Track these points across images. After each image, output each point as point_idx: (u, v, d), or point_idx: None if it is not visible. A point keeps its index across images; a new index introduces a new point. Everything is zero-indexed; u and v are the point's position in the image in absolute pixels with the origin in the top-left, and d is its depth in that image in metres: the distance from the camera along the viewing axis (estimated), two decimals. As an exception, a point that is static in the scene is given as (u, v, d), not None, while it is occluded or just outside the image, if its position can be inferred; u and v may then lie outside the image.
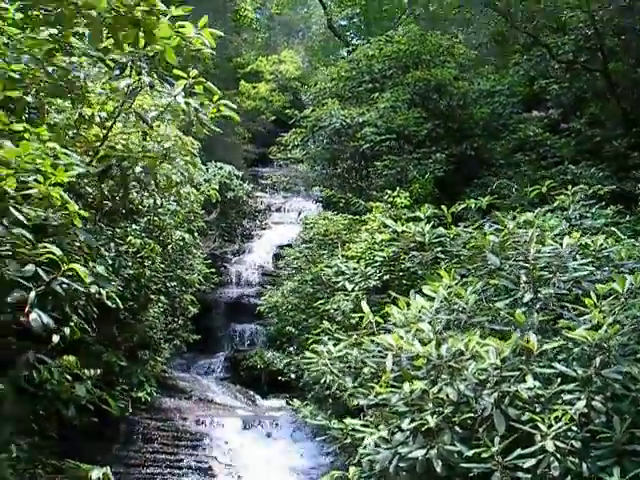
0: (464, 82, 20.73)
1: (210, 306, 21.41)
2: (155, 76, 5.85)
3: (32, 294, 5.11)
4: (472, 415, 6.05)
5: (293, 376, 13.83)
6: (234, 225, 27.47)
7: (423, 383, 6.32)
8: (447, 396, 6.08)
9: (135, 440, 14.69)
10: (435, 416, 6.00)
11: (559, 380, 6.13)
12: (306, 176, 24.75)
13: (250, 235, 27.88)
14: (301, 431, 15.35)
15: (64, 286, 5.30)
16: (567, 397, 5.94)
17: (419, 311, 7.48)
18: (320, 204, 24.85)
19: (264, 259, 26.23)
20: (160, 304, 15.34)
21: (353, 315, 10.59)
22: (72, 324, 5.59)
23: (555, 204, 10.50)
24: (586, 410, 5.76)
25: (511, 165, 18.19)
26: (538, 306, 7.23)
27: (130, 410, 13.98)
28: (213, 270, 19.86)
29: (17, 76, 5.68)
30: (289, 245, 25.82)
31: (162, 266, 14.54)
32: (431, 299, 7.58)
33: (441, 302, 7.43)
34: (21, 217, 5.35)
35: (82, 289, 5.62)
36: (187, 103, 6.03)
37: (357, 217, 14.32)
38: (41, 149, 5.55)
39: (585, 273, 7.30)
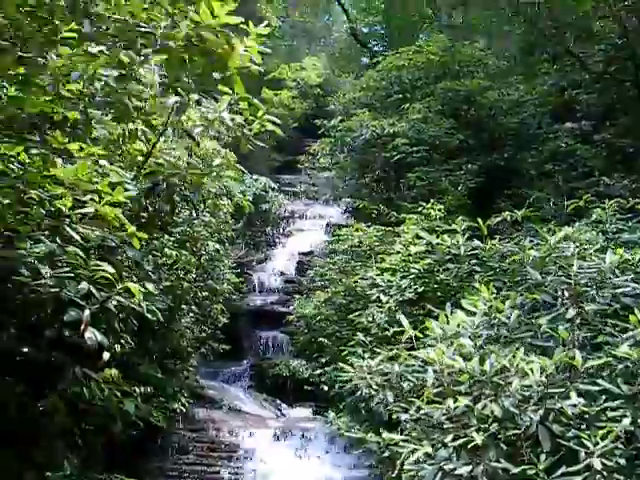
0: (493, 92, 20.68)
1: (234, 313, 21.46)
2: (201, 92, 5.88)
3: (87, 313, 5.16)
4: (517, 432, 6.04)
5: (325, 387, 13.79)
6: (259, 233, 27.53)
7: (467, 399, 6.31)
8: (492, 412, 6.07)
9: (172, 452, 14.76)
10: (481, 433, 5.98)
11: (604, 397, 6.11)
12: (334, 185, 24.74)
13: (273, 242, 27.90)
14: (334, 443, 15.33)
15: (116, 304, 5.36)
16: (612, 414, 5.92)
17: (458, 325, 7.48)
18: (349, 214, 24.91)
19: (286, 266, 26.28)
20: (192, 314, 15.41)
21: (388, 327, 10.62)
22: (122, 341, 5.64)
23: (592, 217, 10.43)
24: (632, 428, 5.73)
25: (542, 175, 18.10)
26: (579, 321, 7.21)
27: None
28: (242, 280, 19.93)
29: (69, 95, 5.75)
30: (311, 252, 26.03)
31: (194, 276, 14.64)
32: (471, 313, 7.56)
33: (482, 317, 7.41)
34: (77, 236, 5.41)
35: (133, 306, 5.68)
36: (233, 119, 6.06)
37: (390, 228, 14.30)
38: (92, 167, 5.61)
39: (627, 289, 7.27)
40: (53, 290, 5.16)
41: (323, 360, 14.00)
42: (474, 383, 6.49)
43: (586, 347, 7.05)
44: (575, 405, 5.95)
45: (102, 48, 5.50)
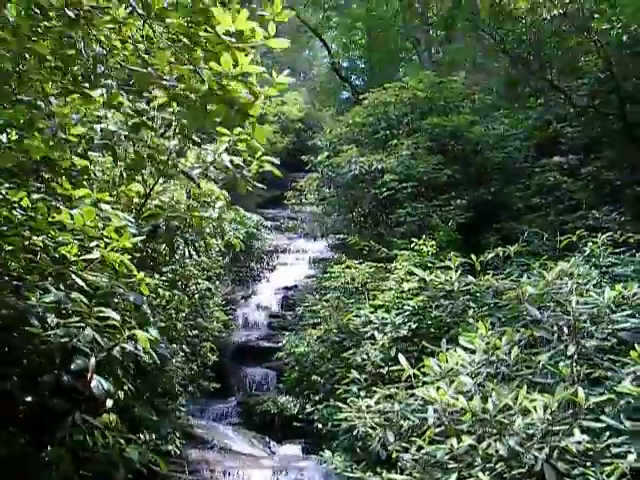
0: (479, 127, 20.82)
1: (220, 349, 21.26)
2: (201, 134, 5.89)
3: (92, 361, 5.11)
4: (522, 470, 6.01)
5: (319, 425, 13.69)
6: (244, 268, 27.49)
7: (470, 438, 6.29)
8: (497, 451, 6.05)
9: (169, 496, 14.56)
10: (486, 472, 5.96)
11: (607, 433, 6.10)
12: (322, 221, 24.76)
13: (258, 277, 27.87)
14: (330, 482, 15.20)
15: (121, 351, 5.32)
16: (616, 450, 5.92)
17: (457, 363, 7.47)
18: (334, 249, 24.93)
19: (270, 301, 26.20)
20: (182, 353, 15.32)
21: (382, 365, 10.59)
22: (125, 387, 5.59)
23: (586, 252, 10.47)
24: (637, 464, 5.72)
25: (529, 209, 18.17)
26: (576, 356, 7.21)
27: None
28: (231, 317, 19.86)
29: (74, 139, 5.76)
30: (295, 287, 26.04)
31: (184, 315, 14.57)
32: (469, 350, 7.56)
33: (482, 354, 7.41)
34: (82, 283, 5.38)
35: (139, 353, 5.65)
36: (232, 161, 6.06)
37: (381, 265, 14.30)
38: (93, 211, 5.58)
39: (626, 325, 7.29)
40: (63, 340, 5.12)
41: (316, 398, 13.92)
42: (476, 422, 6.48)
43: (584, 382, 7.05)
44: (579, 442, 5.95)
45: (101, 91, 5.52)
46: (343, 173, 20.24)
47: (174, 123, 5.60)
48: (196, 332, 16.17)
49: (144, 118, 5.12)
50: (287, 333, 19.16)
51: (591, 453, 6.00)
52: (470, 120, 20.85)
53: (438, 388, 6.98)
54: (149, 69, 4.72)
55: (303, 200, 25.35)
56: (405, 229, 17.91)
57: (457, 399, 6.64)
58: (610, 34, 17.17)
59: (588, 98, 19.56)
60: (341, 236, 20.21)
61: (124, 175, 7.25)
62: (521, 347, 7.68)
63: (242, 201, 26.99)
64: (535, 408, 6.13)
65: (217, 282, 17.42)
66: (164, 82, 4.49)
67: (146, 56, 4.79)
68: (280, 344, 19.96)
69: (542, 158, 19.86)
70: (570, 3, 16.46)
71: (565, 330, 7.33)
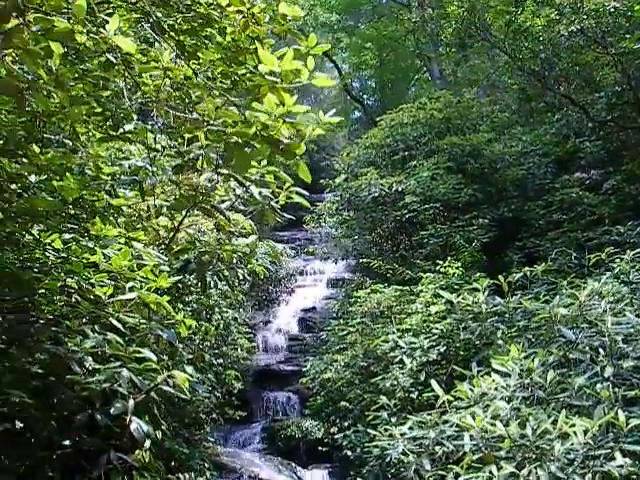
0: (498, 144, 20.78)
1: (242, 374, 21.21)
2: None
3: (131, 403, 5.06)
4: (564, 496, 5.92)
5: (349, 452, 13.58)
6: (262, 292, 27.46)
7: (510, 465, 6.19)
8: (537, 478, 5.95)
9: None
10: (529, 500, 5.87)
11: (650, 457, 6.01)
12: (342, 244, 24.67)
13: (276, 300, 27.81)
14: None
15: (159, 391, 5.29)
16: (660, 474, 5.82)
17: (490, 387, 7.38)
18: (352, 271, 24.87)
19: (289, 323, 26.25)
20: (207, 382, 15.27)
21: (412, 390, 10.50)
22: (163, 428, 5.55)
23: (616, 270, 10.34)
24: (682, 487, 5.63)
25: (551, 225, 18.06)
26: (612, 378, 7.11)
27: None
28: (255, 344, 19.81)
29: (106, 178, 5.75)
30: (313, 308, 26.00)
31: (209, 344, 14.54)
32: (503, 374, 7.47)
33: (517, 378, 7.32)
34: (119, 325, 5.36)
35: (179, 394, 5.61)
36: (260, 192, 6.03)
37: (406, 288, 14.23)
38: (128, 252, 5.57)
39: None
40: (105, 385, 5.09)
41: (345, 424, 13.82)
42: (515, 448, 6.38)
43: (623, 404, 6.95)
44: (622, 466, 5.85)
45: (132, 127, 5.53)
46: (363, 195, 20.20)
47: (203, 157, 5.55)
48: (221, 360, 16.13)
49: (186, 159, 5.10)
50: (311, 358, 19.04)
51: (634, 477, 5.90)
52: (488, 138, 20.82)
53: (473, 413, 6.89)
54: (194, 114, 4.71)
55: (322, 223, 25.25)
56: (428, 250, 17.84)
57: (494, 425, 6.54)
58: (627, 48, 17.09)
59: (606, 112, 19.47)
60: (362, 259, 20.05)
61: (151, 210, 7.25)
62: (554, 369, 7.59)
63: (257, 224, 26.95)
64: (575, 432, 6.03)
65: (240, 310, 17.36)
66: (211, 127, 4.47)
67: (193, 97, 4.80)
68: (301, 367, 19.91)
69: (562, 173, 19.78)
70: (587, 19, 16.41)
71: (601, 351, 7.23)
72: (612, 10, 16.35)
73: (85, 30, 3.85)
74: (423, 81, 42.88)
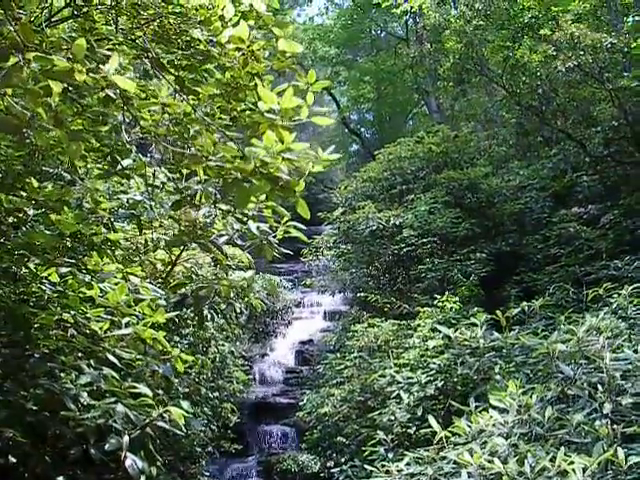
0: (495, 179, 20.87)
1: (238, 407, 21.08)
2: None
3: (126, 439, 5.02)
4: (563, 535, 5.86)
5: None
6: (260, 325, 27.40)
7: (508, 503, 6.14)
8: (536, 517, 5.90)
9: None
10: (528, 539, 5.81)
11: (650, 495, 5.96)
12: (339, 277, 24.65)
13: (273, 332, 27.74)
14: None
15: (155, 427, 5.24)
16: (660, 512, 5.77)
17: (488, 423, 7.33)
18: (349, 304, 24.86)
19: (286, 356, 26.22)
20: (203, 415, 15.18)
21: (409, 425, 10.44)
22: (159, 464, 5.49)
23: (613, 305, 10.30)
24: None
25: (548, 259, 18.07)
26: (612, 415, 7.07)
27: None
28: (251, 377, 19.73)
29: (104, 213, 5.76)
30: (310, 341, 25.95)
31: (204, 377, 14.47)
32: (500, 410, 7.43)
33: (515, 415, 7.27)
34: (115, 360, 5.33)
35: (175, 430, 5.57)
36: (258, 227, 6.03)
37: (403, 322, 14.20)
38: (125, 287, 5.55)
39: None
40: (100, 421, 5.05)
41: (342, 459, 13.70)
42: (514, 485, 6.32)
43: (621, 441, 6.89)
44: (621, 505, 5.80)
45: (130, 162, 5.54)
46: (360, 229, 20.22)
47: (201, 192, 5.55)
48: (217, 394, 16.06)
49: (185, 194, 5.11)
50: (307, 391, 18.94)
51: (634, 516, 5.85)
52: (485, 172, 20.91)
53: (471, 450, 6.84)
54: (193, 149, 4.72)
55: (319, 256, 25.24)
56: (426, 284, 17.83)
57: (492, 462, 6.49)
58: (625, 85, 17.24)
59: (603, 146, 19.55)
60: (360, 293, 20.01)
61: (148, 243, 7.25)
62: (552, 405, 7.54)
63: (254, 257, 26.92)
64: (574, 470, 5.97)
65: (237, 342, 17.30)
66: (210, 163, 4.47)
67: (191, 132, 4.81)
68: (298, 400, 19.81)
69: (559, 208, 19.83)
70: (584, 55, 16.53)
71: (599, 387, 7.18)
72: (609, 46, 16.48)
73: (85, 69, 3.86)
74: (421, 115, 43.16)
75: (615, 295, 10.57)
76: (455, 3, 25.72)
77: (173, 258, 6.98)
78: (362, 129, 47.15)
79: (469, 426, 7.44)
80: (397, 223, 19.33)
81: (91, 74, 3.94)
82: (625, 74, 17.64)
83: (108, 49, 4.46)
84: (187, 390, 11.38)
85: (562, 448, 6.31)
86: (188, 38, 4.80)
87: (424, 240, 18.57)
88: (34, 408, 5.41)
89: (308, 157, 4.48)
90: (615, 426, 6.79)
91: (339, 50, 41.01)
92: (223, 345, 15.16)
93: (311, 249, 24.37)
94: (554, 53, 17.46)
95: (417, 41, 34.63)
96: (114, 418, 5.09)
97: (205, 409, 15.14)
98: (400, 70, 37.71)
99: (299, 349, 26.07)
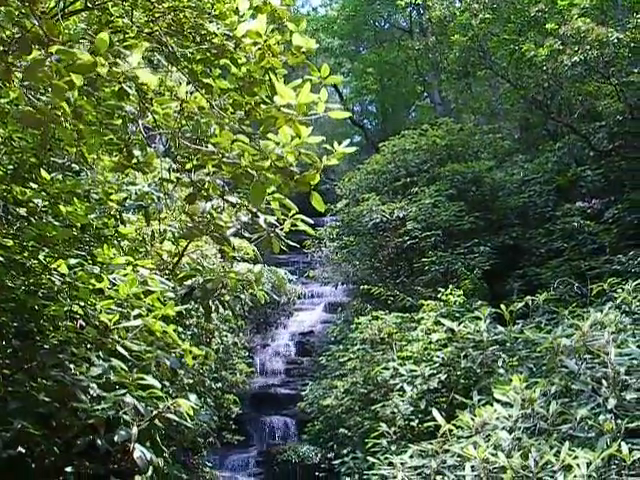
0: (499, 172, 20.85)
1: (238, 398, 21.07)
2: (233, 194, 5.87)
3: (135, 431, 5.04)
4: (567, 528, 5.88)
5: (347, 479, 13.48)
6: (261, 316, 27.39)
7: (512, 497, 6.16)
8: (540, 510, 5.93)
9: None
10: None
11: (653, 489, 5.98)
12: (342, 270, 24.63)
13: (274, 323, 27.75)
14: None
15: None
16: (663, 507, 5.79)
17: (492, 417, 7.35)
18: (350, 295, 24.87)
19: (287, 347, 26.32)
20: (206, 407, 15.20)
21: (412, 418, 10.45)
22: (165, 455, 5.51)
23: (617, 300, 10.30)
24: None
25: (551, 252, 18.05)
26: (616, 409, 7.07)
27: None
28: (253, 370, 19.75)
29: (114, 205, 5.79)
30: (311, 332, 25.96)
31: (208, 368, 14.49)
32: (503, 403, 7.44)
33: (519, 409, 7.28)
34: (125, 352, 5.35)
35: (183, 422, 5.59)
36: (266, 220, 6.02)
37: (407, 315, 14.20)
38: (135, 280, 5.57)
39: (666, 375, 7.17)
40: (110, 413, 5.07)
41: (344, 451, 13.72)
42: (517, 479, 6.34)
43: (626, 436, 6.90)
44: (624, 499, 5.82)
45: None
46: (364, 221, 20.22)
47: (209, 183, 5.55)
48: (219, 385, 16.08)
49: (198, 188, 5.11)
50: (309, 382, 18.99)
51: (637, 510, 5.87)
52: (489, 166, 20.89)
53: (475, 443, 6.86)
54: (210, 146, 4.73)
55: (322, 248, 25.22)
56: (429, 277, 17.83)
57: (496, 455, 6.51)
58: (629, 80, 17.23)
59: (608, 140, 19.54)
60: (362, 285, 19.99)
61: (155, 234, 7.26)
62: (556, 399, 7.56)
63: (258, 248, 26.86)
64: (578, 464, 5.99)
65: (240, 334, 17.32)
66: (226, 160, 4.48)
67: (204, 127, 4.81)
68: (298, 391, 19.85)
69: (563, 202, 19.78)
70: (590, 49, 16.49)
71: (603, 382, 7.19)
72: (615, 41, 16.44)
73: (107, 62, 3.87)
74: (424, 107, 43.08)
75: (619, 290, 10.57)
76: (460, -5, 25.63)
77: (180, 250, 6.99)
78: (365, 121, 47.10)
79: (473, 419, 7.46)
80: (401, 216, 19.34)
81: (113, 67, 3.95)
82: (631, 68, 17.59)
83: (121, 41, 4.47)
84: (191, 381, 11.39)
85: (566, 442, 6.32)
86: (204, 32, 4.81)
87: (428, 233, 18.57)
88: (45, 399, 5.44)
89: (324, 151, 4.51)
90: (619, 421, 6.80)
91: (342, 42, 40.91)
92: (227, 336, 15.17)
93: (314, 241, 24.36)
94: (560, 47, 17.42)
95: (421, 33, 34.59)
96: (124, 410, 5.12)
97: (208, 400, 15.17)
98: (403, 62, 37.65)
99: (300, 340, 26.13)
